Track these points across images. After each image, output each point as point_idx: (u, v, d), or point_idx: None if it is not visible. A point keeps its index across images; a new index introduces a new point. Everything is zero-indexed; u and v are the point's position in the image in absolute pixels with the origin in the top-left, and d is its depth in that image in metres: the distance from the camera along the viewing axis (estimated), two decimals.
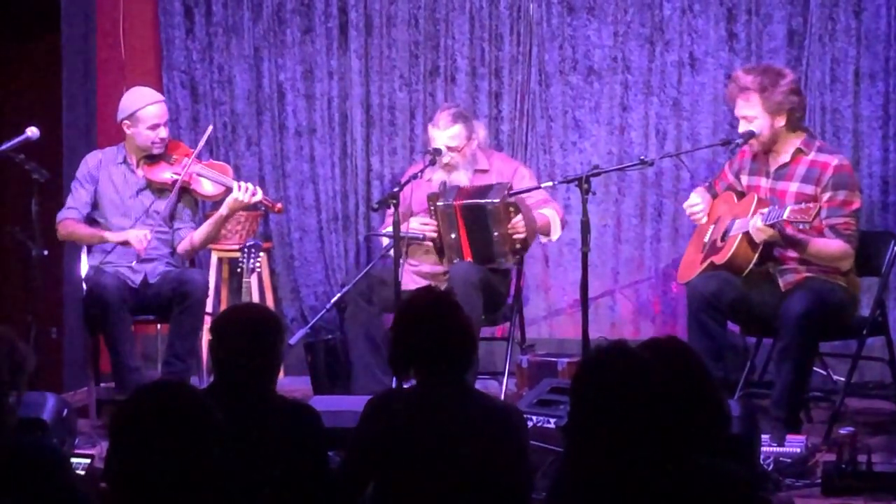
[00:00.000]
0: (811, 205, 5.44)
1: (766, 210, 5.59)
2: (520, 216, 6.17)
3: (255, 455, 3.78)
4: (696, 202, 5.97)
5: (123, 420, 2.96)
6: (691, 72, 7.13)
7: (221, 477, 3.00)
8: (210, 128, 6.64)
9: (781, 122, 5.72)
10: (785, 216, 5.43)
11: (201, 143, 6.39)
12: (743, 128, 5.79)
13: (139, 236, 6.09)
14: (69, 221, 6.23)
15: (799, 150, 5.74)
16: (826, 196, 5.62)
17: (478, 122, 6.60)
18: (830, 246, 5.65)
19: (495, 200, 6.14)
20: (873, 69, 6.92)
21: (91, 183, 6.27)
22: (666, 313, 7.19)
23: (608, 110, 7.24)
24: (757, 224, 5.56)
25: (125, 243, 6.11)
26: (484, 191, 6.23)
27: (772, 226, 5.51)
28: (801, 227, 5.45)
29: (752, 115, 5.73)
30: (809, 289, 5.62)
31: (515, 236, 6.20)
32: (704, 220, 5.98)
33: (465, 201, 6.20)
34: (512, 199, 6.18)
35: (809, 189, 5.67)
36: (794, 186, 5.71)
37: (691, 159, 6.88)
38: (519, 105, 7.32)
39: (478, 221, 6.19)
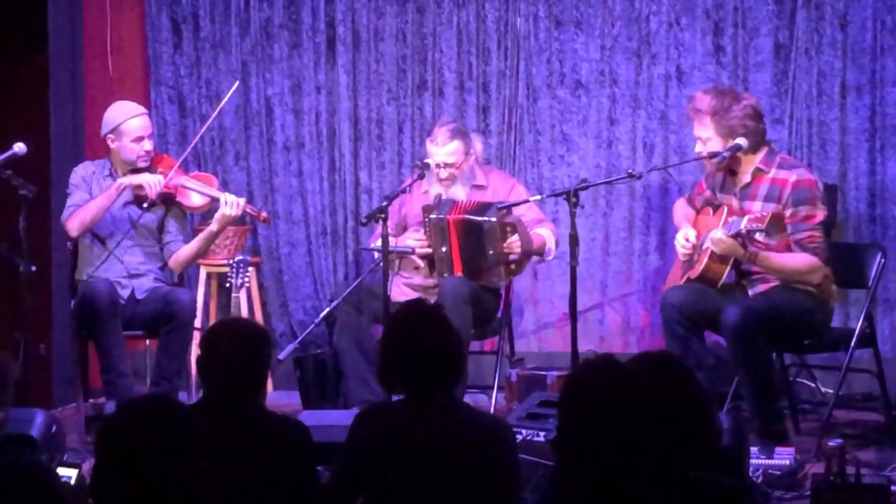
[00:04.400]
0: (766, 213, 5.45)
1: (731, 220, 5.62)
2: (516, 236, 6.17)
3: (244, 470, 3.77)
4: (687, 245, 5.92)
5: (109, 435, 2.96)
6: (678, 85, 7.14)
7: (209, 492, 2.99)
8: (237, 83, 6.68)
9: (741, 143, 5.73)
10: (742, 225, 5.44)
11: (224, 100, 6.48)
12: (698, 148, 5.81)
13: (154, 180, 6.10)
14: (77, 212, 6.17)
15: (758, 170, 5.75)
16: (788, 212, 5.64)
17: (475, 136, 6.59)
18: (795, 259, 5.65)
19: (492, 219, 6.13)
20: (859, 82, 6.94)
21: (85, 188, 6.25)
22: (654, 326, 7.18)
23: (596, 124, 7.25)
24: (716, 235, 5.57)
25: (139, 187, 6.11)
26: (483, 208, 6.22)
27: (734, 237, 5.52)
28: (758, 234, 5.46)
29: (706, 136, 5.75)
30: (761, 297, 5.66)
31: (511, 256, 6.20)
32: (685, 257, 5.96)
33: (461, 216, 6.20)
34: (510, 219, 6.17)
35: (772, 207, 5.65)
36: (757, 206, 5.71)
37: (679, 172, 6.89)
38: (507, 119, 7.33)
39: (473, 238, 6.18)
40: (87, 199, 6.20)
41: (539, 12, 7.24)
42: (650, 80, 7.17)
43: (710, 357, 5.83)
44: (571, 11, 7.21)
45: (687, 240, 5.89)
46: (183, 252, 6.28)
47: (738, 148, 5.73)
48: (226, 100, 6.49)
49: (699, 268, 5.76)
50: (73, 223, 6.18)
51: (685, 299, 5.71)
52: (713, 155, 5.81)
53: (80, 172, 6.32)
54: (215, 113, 6.50)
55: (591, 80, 7.23)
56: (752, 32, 7.03)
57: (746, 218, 5.46)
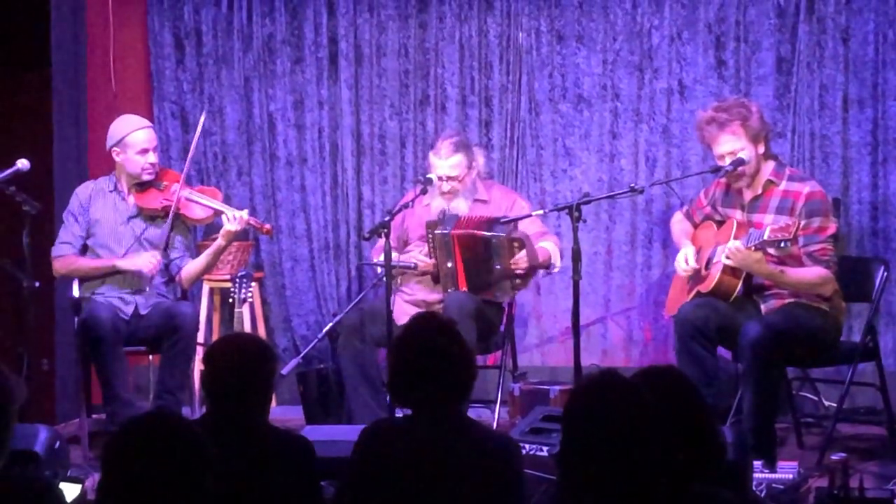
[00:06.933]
0: (790, 222, 5.45)
1: (749, 231, 5.61)
2: (524, 252, 6.18)
3: (247, 486, 3.77)
4: (688, 268, 5.93)
5: (115, 450, 2.96)
6: (680, 99, 7.15)
7: None
8: (203, 116, 6.62)
9: (762, 148, 5.76)
10: (766, 236, 5.42)
11: (197, 134, 6.42)
12: (727, 163, 5.78)
13: (150, 261, 6.09)
14: (69, 258, 6.20)
15: (770, 182, 5.75)
16: (801, 224, 5.62)
17: (478, 150, 6.58)
18: (809, 273, 5.65)
19: (500, 234, 6.14)
20: (861, 95, 6.94)
21: (84, 214, 6.26)
22: (657, 340, 7.20)
23: (598, 138, 7.26)
24: (735, 244, 5.54)
25: (138, 273, 6.11)
26: (490, 224, 6.22)
27: (759, 247, 5.50)
28: (782, 244, 5.43)
29: (739, 146, 5.73)
30: (780, 313, 5.63)
31: (517, 271, 6.21)
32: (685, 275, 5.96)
33: (467, 232, 6.21)
34: (517, 234, 6.18)
35: (785, 219, 5.63)
36: (768, 218, 5.70)
37: (681, 186, 6.90)
38: (509, 133, 7.34)
39: (479, 253, 6.19)
40: (81, 234, 6.22)
41: (541, 27, 7.25)
42: (652, 95, 7.18)
43: (720, 372, 5.82)
44: (573, 26, 7.22)
45: (687, 262, 5.89)
46: (192, 268, 6.28)
47: (742, 162, 5.73)
48: (199, 131, 6.48)
49: (711, 282, 5.74)
50: (60, 267, 6.24)
51: (701, 315, 5.67)
52: (716, 169, 5.81)
53: (80, 196, 6.32)
54: (193, 145, 6.49)
55: (593, 94, 7.24)
56: (753, 46, 7.04)
57: (769, 228, 5.43)
